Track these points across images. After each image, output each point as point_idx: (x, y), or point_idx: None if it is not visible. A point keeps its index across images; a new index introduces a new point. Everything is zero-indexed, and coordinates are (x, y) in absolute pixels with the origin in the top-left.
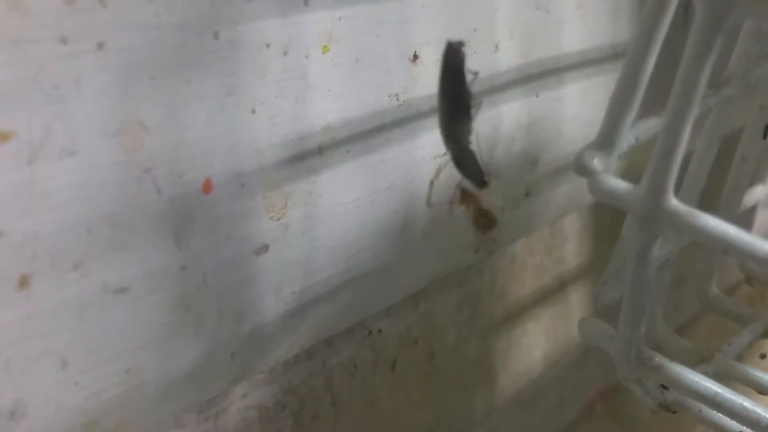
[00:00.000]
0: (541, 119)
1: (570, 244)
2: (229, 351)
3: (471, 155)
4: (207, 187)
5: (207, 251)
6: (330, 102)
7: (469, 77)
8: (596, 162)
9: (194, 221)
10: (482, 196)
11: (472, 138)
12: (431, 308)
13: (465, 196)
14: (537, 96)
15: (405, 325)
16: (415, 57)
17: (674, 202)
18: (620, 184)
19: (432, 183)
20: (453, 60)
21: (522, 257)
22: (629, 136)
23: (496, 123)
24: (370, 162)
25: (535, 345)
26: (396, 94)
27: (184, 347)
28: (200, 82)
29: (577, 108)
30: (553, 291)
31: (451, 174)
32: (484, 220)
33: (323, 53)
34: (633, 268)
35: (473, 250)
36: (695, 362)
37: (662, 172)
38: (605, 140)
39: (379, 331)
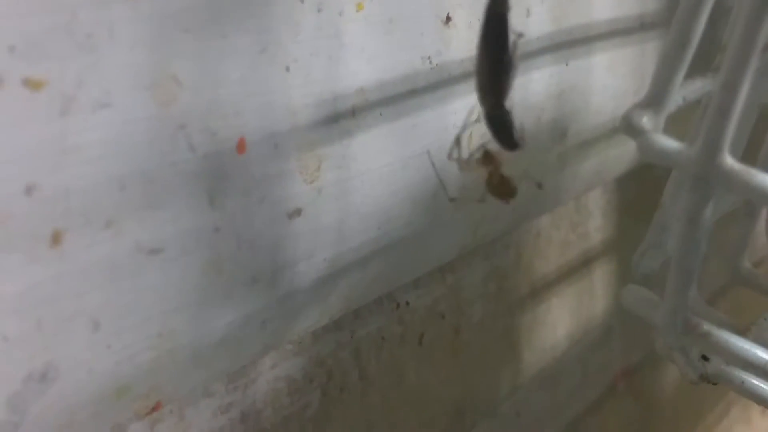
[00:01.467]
0: (570, 89)
1: (594, 220)
2: (261, 318)
3: (506, 113)
4: (241, 146)
5: (240, 213)
6: (363, 63)
7: (512, 38)
8: (645, 121)
9: (228, 181)
10: (505, 161)
11: (509, 97)
12: (458, 282)
13: (487, 158)
14: (567, 65)
15: (432, 299)
16: (448, 19)
17: (730, 161)
18: (672, 143)
19: (458, 141)
20: (498, 10)
21: (547, 232)
22: (680, 93)
23: (526, 91)
24: (403, 126)
25: (559, 322)
26: (429, 57)
27: (217, 312)
28: (234, 37)
29: (606, 79)
30: (577, 267)
31: (481, 134)
32: (503, 189)
33: (357, 11)
34: (683, 230)
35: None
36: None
37: (718, 130)
38: (655, 98)
39: (407, 303)
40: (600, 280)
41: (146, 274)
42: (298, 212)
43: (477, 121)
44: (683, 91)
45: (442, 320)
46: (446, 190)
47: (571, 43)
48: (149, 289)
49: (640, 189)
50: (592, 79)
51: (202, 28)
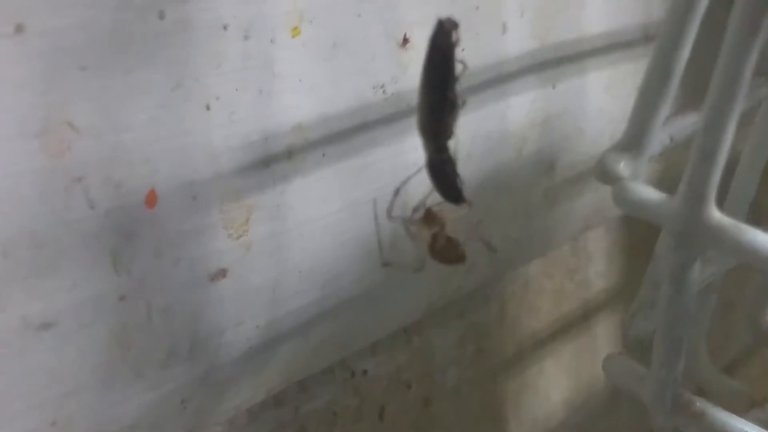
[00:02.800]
0: (558, 115)
1: (596, 264)
2: (179, 397)
3: (448, 160)
4: (150, 199)
5: (151, 277)
6: (301, 95)
7: (458, 68)
8: (622, 166)
9: (135, 241)
10: (450, 219)
11: (451, 142)
12: (427, 344)
13: (430, 217)
14: (554, 87)
15: (395, 365)
16: (405, 41)
17: (717, 216)
18: (651, 194)
19: (397, 193)
20: (442, 43)
21: (537, 281)
22: (662, 134)
23: (502, 119)
24: (351, 168)
25: (554, 387)
26: (382, 86)
27: (125, 394)
28: (142, 72)
29: (602, 101)
30: (576, 321)
31: (422, 185)
32: (448, 253)
33: (293, 37)
34: (668, 294)
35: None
36: (746, 407)
37: (702, 179)
38: (633, 140)
39: (364, 372)
40: (603, 335)
41: (36, 352)
42: (222, 273)
43: (421, 170)
44: (670, 128)
45: (408, 390)
46: (382, 251)
47: (558, 61)
48: (40, 370)
49: (652, 227)
50: (586, 102)
51: (103, 64)
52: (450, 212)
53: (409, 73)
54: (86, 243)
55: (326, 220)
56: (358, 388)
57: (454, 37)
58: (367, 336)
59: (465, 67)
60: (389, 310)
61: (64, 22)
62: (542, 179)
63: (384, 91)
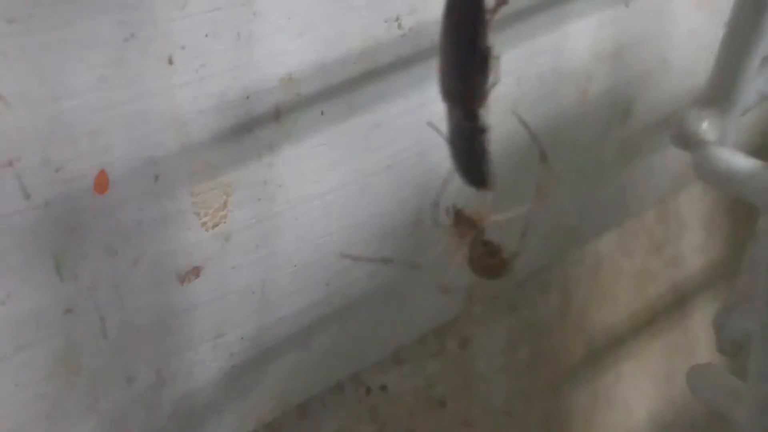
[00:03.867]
0: (634, 43)
1: (691, 235)
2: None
3: (479, 130)
4: (100, 183)
5: (105, 282)
6: (292, 38)
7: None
8: (705, 127)
9: (84, 237)
10: (488, 218)
11: (483, 109)
12: (466, 349)
13: (462, 221)
14: (627, 5)
15: (424, 378)
16: None
17: None
18: (743, 162)
19: (437, 204)
20: None
21: (612, 261)
22: (758, 82)
23: (559, 53)
24: (359, 128)
25: (636, 398)
26: (397, 19)
27: (76, 429)
28: (86, 22)
29: (694, 20)
30: (665, 311)
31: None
32: (488, 261)
33: None
34: (766, 286)
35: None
36: None
37: None
38: (719, 92)
39: (383, 387)
40: (702, 328)
41: None
42: (195, 272)
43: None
44: (760, 81)
45: (442, 409)
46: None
47: None
48: None
49: None
50: (672, 23)
51: (35, 15)
52: (488, 209)
53: (431, 1)
54: (22, 243)
55: (327, 198)
56: (375, 410)
57: None
58: (387, 343)
59: (499, 6)
60: (415, 309)
61: None
62: (615, 129)
63: (399, 26)
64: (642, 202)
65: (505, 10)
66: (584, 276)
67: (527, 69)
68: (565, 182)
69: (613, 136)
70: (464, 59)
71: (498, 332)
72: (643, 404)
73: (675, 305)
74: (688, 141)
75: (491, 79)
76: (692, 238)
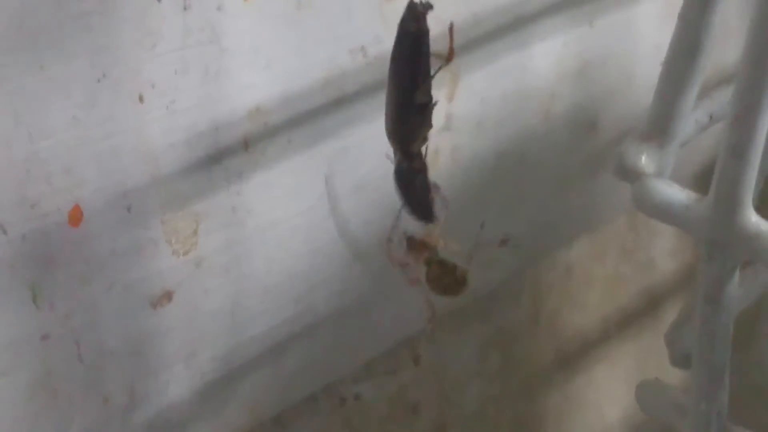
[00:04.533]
0: (599, 61)
1: (662, 240)
2: None
3: (417, 170)
4: (75, 216)
5: (80, 310)
6: (259, 71)
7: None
8: (644, 160)
9: (59, 268)
10: (438, 240)
11: (423, 148)
12: (439, 357)
13: (413, 243)
14: (591, 25)
15: (397, 385)
16: None
17: (754, 220)
18: (678, 195)
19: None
20: (412, 29)
21: (583, 266)
22: (696, 114)
23: (523, 73)
24: (325, 153)
25: (608, 401)
26: (362, 48)
27: None
28: (59, 66)
29: (658, 35)
30: (637, 315)
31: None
32: (446, 279)
33: (245, 0)
34: (703, 314)
35: None
36: None
37: (735, 177)
38: (657, 126)
39: (357, 397)
40: None
41: None
42: (167, 297)
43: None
44: (708, 105)
45: (415, 416)
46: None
47: None
48: None
49: None
50: (635, 40)
51: (10, 60)
52: (438, 231)
53: (395, 30)
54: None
55: (295, 221)
56: (349, 419)
57: (423, 23)
58: (359, 354)
59: (449, 56)
60: (386, 321)
61: None
62: (580, 144)
63: (364, 54)
64: (612, 210)
65: (468, 32)
66: (556, 282)
67: (491, 90)
68: (533, 196)
69: (579, 150)
70: (404, 106)
71: (470, 339)
72: (615, 406)
73: (646, 309)
74: (628, 174)
75: (429, 124)
76: (663, 244)
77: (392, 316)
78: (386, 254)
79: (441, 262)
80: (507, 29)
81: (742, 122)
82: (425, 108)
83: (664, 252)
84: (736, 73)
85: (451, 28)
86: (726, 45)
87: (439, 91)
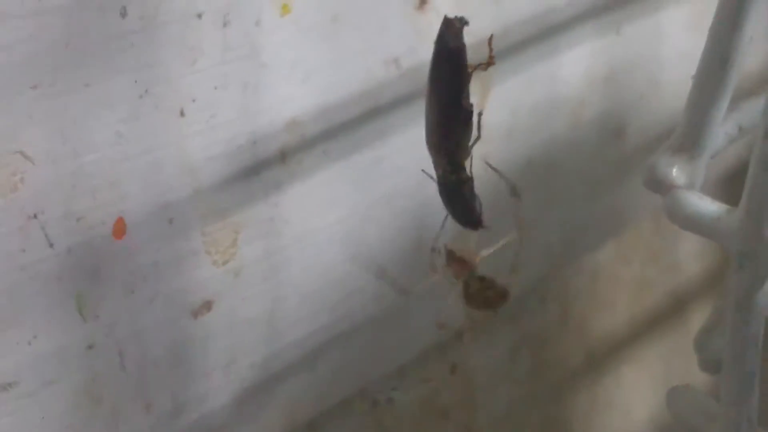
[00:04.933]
0: (626, 68)
1: (687, 242)
2: None
3: (463, 181)
4: (119, 229)
5: (123, 320)
6: (296, 85)
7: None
8: (676, 172)
9: (103, 280)
10: (475, 256)
11: (465, 163)
12: (468, 361)
13: (452, 260)
14: (618, 33)
15: (429, 389)
16: (423, 1)
17: None
18: (709, 206)
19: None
20: (451, 46)
21: (610, 270)
22: (726, 126)
23: (552, 82)
24: (360, 164)
25: (636, 401)
26: (395, 60)
27: None
28: (103, 83)
29: (684, 42)
30: (663, 316)
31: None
32: (486, 294)
33: (282, 15)
34: (733, 322)
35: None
36: None
37: (766, 188)
38: (688, 139)
39: (390, 401)
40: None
41: None
42: (207, 306)
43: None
44: (738, 116)
45: (446, 419)
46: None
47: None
48: None
49: None
50: (662, 47)
51: (57, 80)
52: (477, 246)
53: (428, 41)
54: (47, 287)
55: (331, 230)
56: (382, 422)
57: (460, 38)
58: (392, 359)
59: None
60: (418, 327)
61: (10, 37)
62: (608, 150)
63: (398, 66)
64: (638, 214)
65: (499, 43)
66: (583, 286)
67: (521, 99)
68: (562, 202)
69: (606, 156)
70: (447, 118)
71: (499, 344)
72: (642, 408)
73: (673, 310)
74: (660, 186)
75: (473, 135)
76: (688, 247)
77: (425, 322)
78: (429, 263)
79: (480, 278)
80: (536, 39)
81: None
82: (469, 118)
83: (690, 255)
84: (766, 85)
85: (490, 40)
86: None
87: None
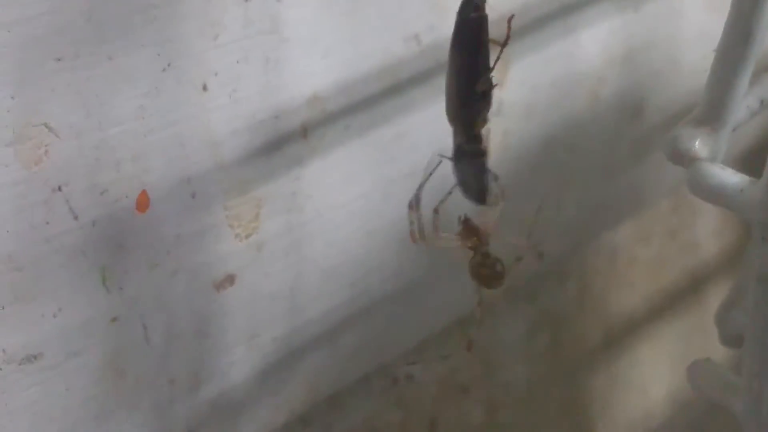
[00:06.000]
0: (644, 46)
1: (705, 221)
2: (186, 428)
3: (478, 153)
4: (142, 202)
5: (147, 293)
6: (317, 60)
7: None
8: (698, 145)
9: (127, 252)
10: (491, 228)
11: (485, 130)
12: (489, 338)
13: (468, 228)
14: (636, 11)
15: (448, 367)
16: None
17: None
18: (732, 178)
19: (437, 211)
20: (471, 19)
21: (628, 249)
22: (748, 100)
23: (571, 60)
24: (381, 140)
25: (653, 380)
26: (416, 36)
27: (121, 428)
28: (126, 56)
29: (703, 21)
30: (681, 295)
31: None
32: (486, 271)
33: None
34: (756, 295)
35: None
36: None
37: None
38: (711, 111)
39: (409, 377)
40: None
41: (20, 389)
42: (230, 280)
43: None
44: (760, 90)
45: (465, 396)
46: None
47: None
48: (25, 410)
49: None
50: (680, 26)
51: (81, 52)
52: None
53: (448, 18)
54: (71, 260)
55: (352, 206)
56: (401, 399)
57: (481, 14)
58: (412, 335)
59: (505, 42)
60: (438, 303)
61: (33, 10)
62: (627, 128)
63: (418, 43)
64: (656, 193)
65: (518, 20)
66: (601, 265)
67: (540, 77)
68: (580, 180)
69: (625, 134)
70: (467, 90)
71: (518, 322)
72: (660, 385)
73: (691, 289)
74: (682, 158)
75: (490, 106)
76: (707, 224)
77: (444, 298)
78: (432, 225)
79: (486, 254)
80: (555, 17)
81: None
82: (487, 92)
83: (708, 233)
84: None
85: (509, 20)
86: None
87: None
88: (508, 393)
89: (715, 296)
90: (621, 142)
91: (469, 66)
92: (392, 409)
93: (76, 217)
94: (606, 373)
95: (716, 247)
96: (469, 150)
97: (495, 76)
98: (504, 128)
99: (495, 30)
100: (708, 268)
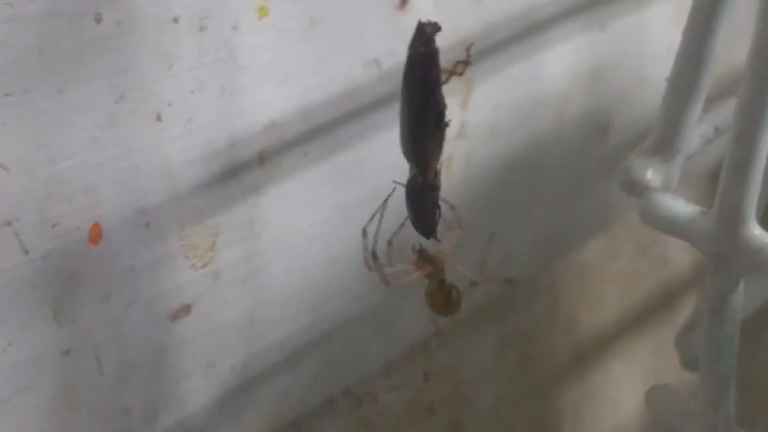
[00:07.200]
0: (611, 64)
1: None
2: None
3: (432, 188)
4: (95, 234)
5: (100, 325)
6: (274, 87)
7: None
8: (650, 174)
9: (80, 285)
10: (447, 258)
11: (438, 166)
12: (455, 357)
13: (423, 258)
14: (603, 30)
15: (415, 387)
16: (404, 1)
17: (757, 233)
18: (682, 208)
19: (390, 243)
20: (423, 52)
21: (598, 265)
22: (701, 128)
23: (536, 79)
24: (341, 165)
25: (625, 395)
26: (376, 61)
27: None
28: (78, 89)
29: (671, 38)
30: (653, 310)
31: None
32: (441, 299)
33: (260, 18)
34: (709, 324)
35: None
36: None
37: (738, 190)
38: (663, 141)
39: (374, 399)
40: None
41: None
42: (186, 310)
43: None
44: (713, 118)
45: (431, 416)
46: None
47: None
48: None
49: None
50: (648, 43)
51: (31, 86)
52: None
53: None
54: (21, 294)
55: (312, 232)
56: (367, 421)
57: (433, 44)
58: (376, 358)
59: (462, 68)
60: (402, 325)
61: None
62: (593, 146)
63: (378, 67)
64: (625, 208)
65: (482, 41)
66: (571, 280)
67: (504, 97)
68: (547, 199)
69: (591, 153)
70: (418, 123)
71: (486, 339)
72: (631, 401)
73: (662, 304)
74: (634, 188)
75: (443, 141)
76: (677, 239)
77: (408, 321)
78: (386, 257)
79: (441, 281)
80: (519, 37)
81: (744, 139)
82: (440, 125)
83: (678, 247)
84: (738, 89)
85: (468, 49)
86: (738, 45)
87: (452, 99)
88: (474, 412)
89: (686, 311)
90: (588, 160)
91: (421, 100)
92: (358, 430)
93: (26, 252)
94: (576, 388)
95: (687, 261)
96: (420, 184)
97: (458, 97)
98: (467, 150)
99: (456, 54)
100: (679, 282)
